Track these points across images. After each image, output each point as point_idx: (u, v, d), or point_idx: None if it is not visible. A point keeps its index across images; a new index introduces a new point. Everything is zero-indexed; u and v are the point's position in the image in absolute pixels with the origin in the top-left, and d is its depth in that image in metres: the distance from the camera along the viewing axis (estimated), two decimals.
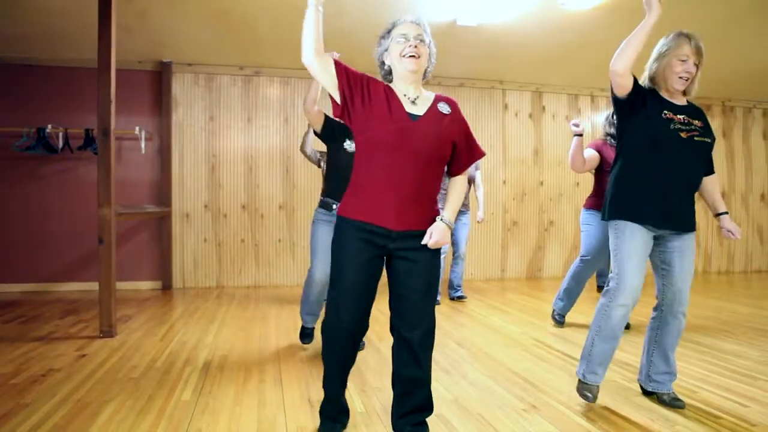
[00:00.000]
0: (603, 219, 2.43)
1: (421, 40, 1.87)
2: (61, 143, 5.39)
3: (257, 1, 4.12)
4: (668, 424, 2.20)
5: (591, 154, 3.64)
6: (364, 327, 1.97)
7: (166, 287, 5.71)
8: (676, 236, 2.34)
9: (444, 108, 1.92)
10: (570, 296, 3.94)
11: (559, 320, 4.01)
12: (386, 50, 1.94)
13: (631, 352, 3.29)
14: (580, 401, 2.45)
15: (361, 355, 3.20)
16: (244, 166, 5.94)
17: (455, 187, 2.02)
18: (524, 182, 6.70)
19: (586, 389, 2.38)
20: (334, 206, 3.08)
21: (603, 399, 2.49)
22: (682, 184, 2.30)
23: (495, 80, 6.53)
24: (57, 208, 5.54)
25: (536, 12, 4.36)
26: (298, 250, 6.02)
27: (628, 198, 2.32)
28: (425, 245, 1.86)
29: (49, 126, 5.31)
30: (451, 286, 5.09)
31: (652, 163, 2.27)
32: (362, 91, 1.86)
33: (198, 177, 5.85)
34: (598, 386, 2.38)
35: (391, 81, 1.97)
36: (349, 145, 3.11)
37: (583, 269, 3.84)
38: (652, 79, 2.40)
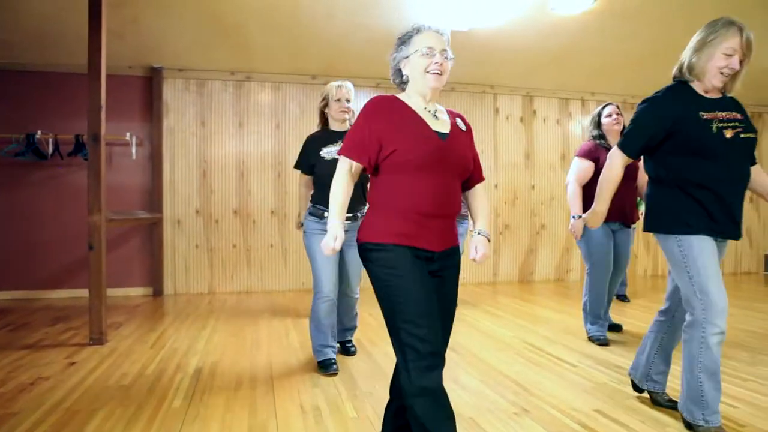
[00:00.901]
0: (652, 231, 2.23)
1: (446, 57, 1.77)
2: (51, 149, 5.36)
3: (248, 6, 4.12)
4: (659, 426, 2.21)
5: (587, 166, 3.53)
6: (443, 343, 1.74)
7: (157, 293, 5.67)
8: (722, 244, 2.19)
9: (461, 124, 1.87)
10: (596, 315, 3.63)
11: (602, 341, 3.58)
12: (406, 58, 1.79)
13: (620, 354, 3.31)
14: (572, 404, 2.46)
15: (352, 361, 3.20)
16: (236, 171, 5.92)
17: (482, 196, 1.95)
18: (516, 186, 6.72)
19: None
20: (326, 214, 2.93)
21: (594, 402, 2.50)
22: (736, 187, 2.13)
23: (486, 84, 6.56)
24: (47, 214, 5.50)
25: (527, 17, 4.39)
26: (290, 255, 6.01)
27: (688, 210, 2.11)
28: (455, 264, 1.80)
29: (39, 132, 5.28)
30: None
31: (702, 170, 2.08)
32: (379, 141, 1.72)
33: (189, 183, 5.82)
34: (721, 425, 2.10)
35: (403, 90, 1.87)
36: (327, 153, 3.03)
37: (595, 281, 3.57)
38: (689, 69, 2.18)
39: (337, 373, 2.95)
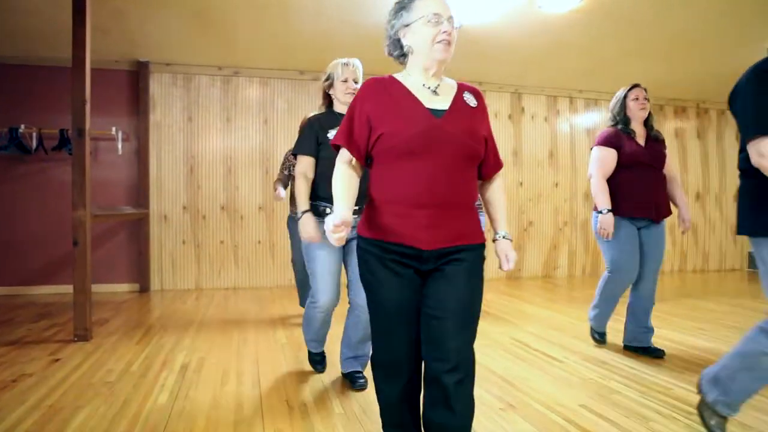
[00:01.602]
0: (748, 234, 1.98)
1: (453, 25, 1.58)
2: (34, 143, 5.29)
3: (236, 0, 4.09)
4: (643, 421, 2.23)
5: (609, 155, 3.14)
6: (418, 360, 1.63)
7: (144, 290, 5.63)
8: None
9: (470, 99, 1.63)
10: (602, 315, 3.39)
11: (599, 338, 3.47)
12: (407, 26, 1.58)
13: (606, 350, 3.34)
14: (558, 400, 2.48)
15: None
16: (224, 167, 5.88)
17: (498, 190, 1.75)
18: (505, 183, 6.74)
19: (714, 422, 2.03)
20: (328, 210, 2.49)
21: (579, 397, 2.52)
22: None
23: (474, 81, 6.57)
24: (30, 209, 5.43)
25: (514, 14, 4.40)
26: (278, 251, 5.98)
27: None
28: (464, 258, 1.55)
29: (22, 126, 5.20)
30: None
31: None
32: (368, 127, 1.57)
33: (176, 178, 5.78)
34: (726, 420, 2.03)
35: (403, 63, 1.66)
36: (333, 134, 2.45)
37: (611, 288, 3.23)
38: None
39: (323, 371, 2.92)
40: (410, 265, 1.55)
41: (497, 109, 6.72)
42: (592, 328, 3.49)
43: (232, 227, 5.90)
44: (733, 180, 7.69)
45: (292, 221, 3.99)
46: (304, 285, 4.02)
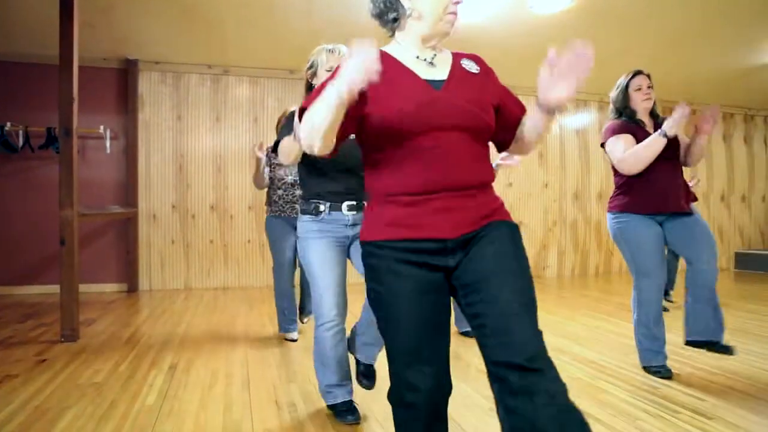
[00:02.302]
0: None
1: None
2: (21, 142, 5.23)
3: None
4: (630, 420, 2.24)
5: (630, 140, 2.78)
6: (447, 388, 1.33)
7: (132, 290, 5.59)
8: None
9: (471, 66, 1.42)
10: (655, 335, 2.85)
11: (665, 373, 2.80)
12: None
13: (595, 350, 3.36)
14: None
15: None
16: (213, 166, 5.86)
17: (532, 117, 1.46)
18: (493, 183, 6.75)
19: None
20: (322, 207, 2.20)
21: None
22: None
23: None
24: (16, 208, 5.37)
25: (506, 14, 4.42)
26: (268, 251, 5.92)
27: None
28: (501, 236, 1.28)
29: (8, 124, 5.15)
30: (458, 318, 3.69)
31: None
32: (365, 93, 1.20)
33: (165, 177, 5.74)
34: None
35: (391, 29, 1.41)
36: None
37: (650, 292, 2.83)
38: None
39: (358, 422, 2.21)
40: (433, 265, 1.26)
41: None
42: (645, 367, 2.86)
43: (221, 227, 5.87)
44: (719, 181, 7.78)
45: (272, 221, 3.66)
46: (285, 295, 3.63)
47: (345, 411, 2.22)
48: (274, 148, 2.32)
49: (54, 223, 4.16)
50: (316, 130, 1.17)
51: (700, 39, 4.87)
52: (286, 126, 2.24)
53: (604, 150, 2.94)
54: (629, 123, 2.85)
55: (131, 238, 5.60)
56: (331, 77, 1.18)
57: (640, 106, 2.86)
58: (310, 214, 2.21)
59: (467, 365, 3.03)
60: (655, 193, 2.76)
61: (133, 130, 5.59)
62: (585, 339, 3.63)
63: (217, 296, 5.33)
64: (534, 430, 1.11)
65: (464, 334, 3.67)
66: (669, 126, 2.59)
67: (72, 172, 3.51)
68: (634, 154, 2.69)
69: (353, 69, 1.04)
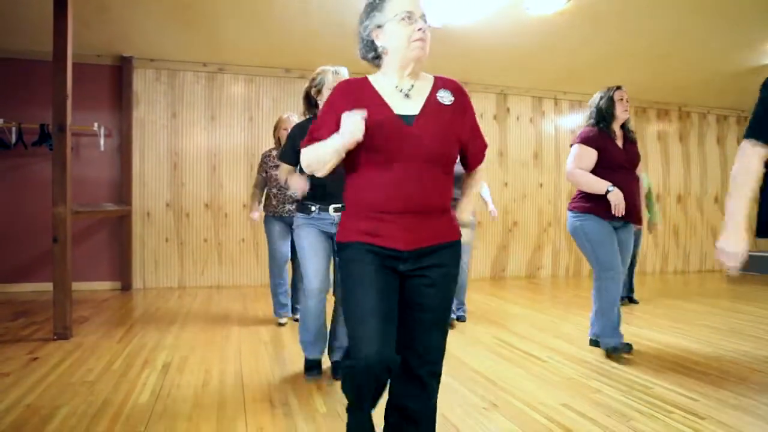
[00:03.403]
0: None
1: (426, 21, 1.57)
2: (14, 138, 5.20)
3: None
4: (623, 419, 2.25)
5: (591, 154, 3.11)
6: (393, 359, 1.55)
7: (126, 288, 5.56)
8: None
9: (445, 98, 1.60)
10: (611, 323, 3.17)
11: (627, 347, 3.17)
12: (380, 27, 1.57)
13: (588, 349, 3.37)
14: (541, 399, 2.50)
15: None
16: (208, 164, 5.84)
17: (469, 182, 1.78)
18: (489, 183, 6.76)
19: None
20: (313, 208, 2.66)
21: (561, 396, 2.54)
22: None
23: (460, 82, 6.55)
24: (9, 205, 5.33)
25: (501, 15, 4.42)
26: (262, 249, 5.95)
27: None
28: (441, 263, 1.58)
29: (1, 120, 5.12)
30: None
31: None
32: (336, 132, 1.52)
33: (160, 175, 5.71)
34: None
35: (377, 65, 1.64)
36: None
37: (612, 285, 3.12)
38: None
39: (316, 379, 2.74)
40: (390, 266, 1.56)
41: (482, 109, 6.75)
42: (610, 347, 3.14)
43: (215, 225, 5.86)
44: (713, 182, 7.82)
45: (270, 222, 4.01)
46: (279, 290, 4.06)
47: (311, 367, 2.79)
48: (279, 158, 2.78)
49: (47, 221, 4.14)
50: (323, 164, 1.55)
51: (694, 41, 4.89)
52: (288, 148, 2.70)
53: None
54: (602, 133, 3.15)
55: (125, 236, 5.57)
56: (326, 122, 1.58)
57: (620, 116, 3.21)
58: (303, 212, 2.72)
59: (461, 364, 3.04)
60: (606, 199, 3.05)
61: (128, 127, 5.56)
62: (578, 339, 3.64)
63: (211, 295, 5.31)
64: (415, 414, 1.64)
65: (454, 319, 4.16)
66: (612, 197, 2.99)
67: (65, 170, 3.49)
68: (582, 181, 3.11)
69: (349, 133, 1.43)
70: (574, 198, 3.29)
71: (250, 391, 2.57)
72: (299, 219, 2.74)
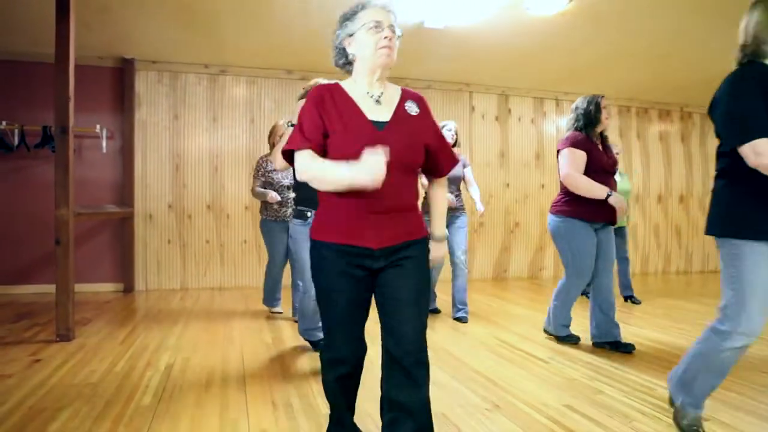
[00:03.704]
0: (714, 235, 2.04)
1: (394, 31, 1.65)
2: (16, 140, 5.21)
3: None
4: (626, 420, 2.25)
5: (583, 157, 3.21)
6: (361, 352, 1.78)
7: (128, 289, 5.57)
8: None
9: (412, 108, 1.71)
10: (564, 324, 3.54)
11: (575, 338, 3.53)
12: (351, 36, 1.67)
13: (590, 350, 3.36)
14: (543, 400, 2.49)
15: None
16: (210, 166, 5.84)
17: (436, 195, 1.87)
18: (490, 184, 6.77)
19: (689, 421, 2.09)
20: (309, 214, 2.95)
21: (564, 397, 2.54)
22: None
23: (462, 83, 6.59)
24: (12, 207, 5.34)
25: (502, 16, 4.42)
26: (264, 251, 5.93)
27: (759, 214, 1.89)
28: (411, 255, 1.68)
29: (4, 122, 5.13)
30: (453, 303, 4.32)
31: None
32: (322, 125, 1.62)
33: (162, 177, 5.72)
34: (700, 417, 2.11)
35: (349, 71, 1.74)
36: None
37: (571, 288, 3.37)
38: (757, 51, 1.97)
39: None
40: (362, 265, 1.65)
41: (484, 110, 6.75)
42: (559, 337, 3.56)
43: (218, 226, 5.86)
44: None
45: (267, 225, 4.26)
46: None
47: (317, 343, 3.12)
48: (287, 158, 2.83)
49: (49, 223, 4.16)
50: (326, 185, 1.60)
51: (695, 41, 4.89)
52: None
53: (557, 154, 3.32)
54: (587, 139, 3.26)
55: (127, 238, 5.58)
56: (312, 117, 1.62)
57: (604, 122, 3.33)
58: (300, 218, 2.94)
59: (463, 365, 3.03)
60: (597, 204, 3.17)
61: (130, 129, 5.57)
62: (581, 340, 3.64)
63: (213, 296, 5.32)
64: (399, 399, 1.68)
65: (456, 319, 4.22)
66: (615, 201, 3.10)
67: (68, 172, 3.50)
68: (582, 185, 3.15)
69: (367, 174, 1.46)
70: (557, 201, 3.41)
71: (252, 392, 2.57)
72: (297, 227, 3.01)
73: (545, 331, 3.70)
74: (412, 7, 4.24)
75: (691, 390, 2.07)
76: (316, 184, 1.61)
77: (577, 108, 3.38)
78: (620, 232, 4.89)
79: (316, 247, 1.70)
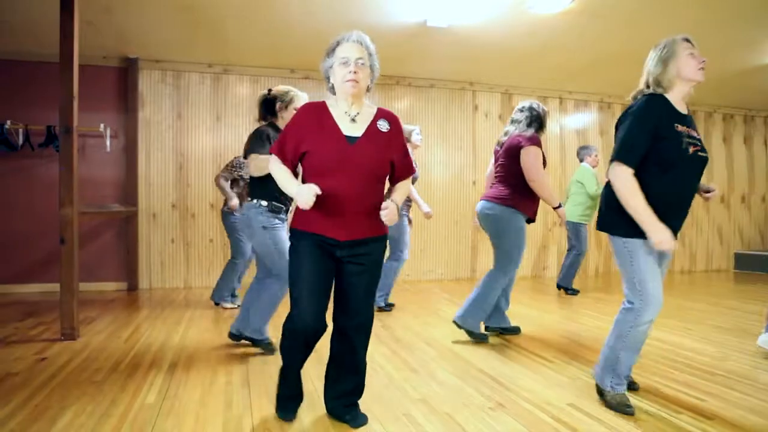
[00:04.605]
0: (606, 231, 2.37)
1: (362, 63, 1.98)
2: (21, 140, 5.23)
3: None
4: (631, 420, 2.25)
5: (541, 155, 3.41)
6: (323, 325, 2.07)
7: (132, 288, 5.59)
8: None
9: (383, 126, 2.06)
10: (485, 313, 3.55)
11: (483, 338, 3.55)
12: (330, 68, 2.04)
13: (595, 350, 3.36)
14: (547, 399, 2.49)
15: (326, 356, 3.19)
16: (213, 165, 5.85)
17: (399, 186, 2.21)
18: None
19: (619, 399, 2.35)
20: (284, 214, 3.13)
21: (567, 396, 2.53)
22: (684, 202, 2.31)
23: (465, 81, 6.59)
24: (17, 207, 5.36)
25: (505, 14, 4.41)
26: None
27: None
28: (370, 252, 2.07)
29: (8, 122, 5.15)
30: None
31: (662, 183, 2.23)
32: (298, 144, 2.03)
33: (165, 176, 5.74)
34: (626, 394, 2.40)
35: (333, 93, 2.09)
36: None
37: (507, 282, 3.59)
38: (658, 82, 2.32)
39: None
40: (329, 250, 2.04)
41: (488, 109, 6.74)
42: (472, 332, 3.50)
43: (221, 225, 5.85)
44: (719, 182, 7.78)
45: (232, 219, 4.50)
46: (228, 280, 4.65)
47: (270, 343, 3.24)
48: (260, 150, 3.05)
49: (54, 222, 4.17)
50: (278, 183, 2.08)
51: (700, 39, 4.81)
52: (259, 142, 3.06)
53: (521, 150, 3.40)
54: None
55: (131, 237, 5.60)
56: (293, 136, 2.05)
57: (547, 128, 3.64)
58: (279, 214, 3.09)
59: (467, 364, 3.03)
60: (535, 203, 3.49)
61: (134, 128, 5.58)
62: (585, 339, 3.64)
63: None
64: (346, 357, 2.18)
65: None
66: (562, 213, 3.56)
67: (72, 171, 3.51)
68: (546, 188, 3.40)
69: (304, 202, 1.89)
70: (503, 192, 3.45)
71: (256, 390, 2.58)
72: (278, 221, 3.07)
73: (456, 323, 3.55)
74: (416, 6, 4.23)
75: (616, 370, 2.36)
76: (278, 186, 2.08)
77: (529, 111, 3.52)
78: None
79: (292, 232, 2.09)
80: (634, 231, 2.23)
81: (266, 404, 2.41)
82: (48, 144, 5.23)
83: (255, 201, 3.05)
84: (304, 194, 1.87)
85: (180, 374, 2.82)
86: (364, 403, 2.34)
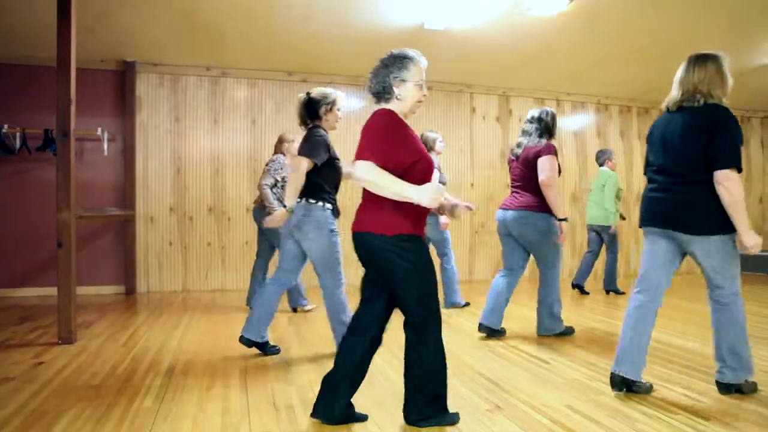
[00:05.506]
0: (714, 234, 2.44)
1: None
2: (18, 144, 5.23)
3: (223, 2, 4.07)
4: (629, 422, 2.25)
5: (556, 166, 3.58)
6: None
7: (130, 292, 5.58)
8: None
9: None
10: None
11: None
12: (403, 82, 2.07)
13: (592, 351, 3.36)
14: (544, 401, 2.49)
15: (328, 359, 3.19)
16: (211, 168, 5.85)
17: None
18: (492, 185, 6.78)
19: (647, 386, 2.62)
20: (328, 206, 3.05)
21: (565, 398, 2.53)
22: None
23: (463, 84, 6.60)
24: (14, 210, 5.36)
25: (503, 17, 4.42)
26: None
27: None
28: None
29: (6, 126, 5.14)
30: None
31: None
32: (416, 153, 2.08)
33: (163, 179, 5.74)
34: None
35: (380, 99, 2.12)
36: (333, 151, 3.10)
37: (558, 272, 3.79)
38: (724, 95, 2.57)
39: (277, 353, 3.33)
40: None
41: (485, 111, 6.75)
42: (563, 332, 3.77)
43: (219, 229, 5.87)
44: None
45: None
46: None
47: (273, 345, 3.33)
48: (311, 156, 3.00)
49: (51, 225, 4.18)
50: (383, 192, 1.95)
51: (696, 41, 4.88)
52: (321, 147, 3.00)
53: (538, 159, 3.54)
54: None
55: (129, 240, 5.59)
56: (399, 131, 2.06)
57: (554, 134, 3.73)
58: (334, 213, 3.10)
59: (464, 366, 3.03)
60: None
61: (131, 132, 5.59)
62: (582, 340, 3.64)
63: (214, 298, 5.32)
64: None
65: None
66: (564, 226, 3.64)
67: (69, 174, 3.51)
68: (558, 198, 3.56)
69: (431, 200, 1.86)
70: (531, 200, 3.62)
71: (254, 395, 2.58)
72: (332, 220, 3.05)
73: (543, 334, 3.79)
74: (413, 8, 4.24)
75: (749, 365, 2.55)
76: (374, 189, 1.96)
77: (539, 120, 3.65)
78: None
79: (413, 239, 2.06)
80: (733, 229, 2.41)
81: (265, 408, 2.41)
82: (45, 148, 5.22)
83: (320, 203, 3.00)
84: (431, 191, 1.86)
85: (178, 378, 2.82)
86: (364, 407, 2.34)
